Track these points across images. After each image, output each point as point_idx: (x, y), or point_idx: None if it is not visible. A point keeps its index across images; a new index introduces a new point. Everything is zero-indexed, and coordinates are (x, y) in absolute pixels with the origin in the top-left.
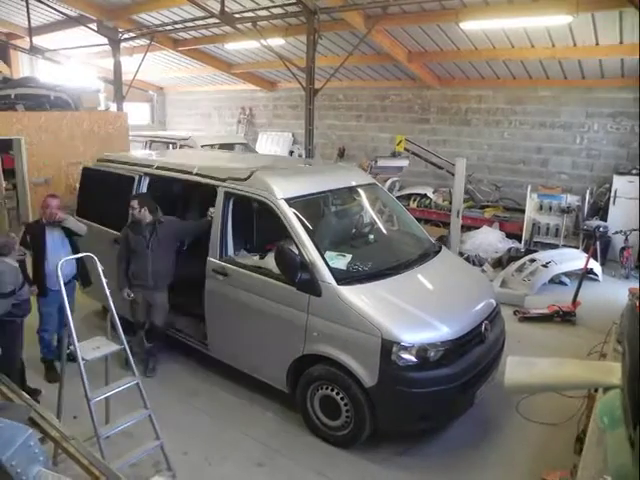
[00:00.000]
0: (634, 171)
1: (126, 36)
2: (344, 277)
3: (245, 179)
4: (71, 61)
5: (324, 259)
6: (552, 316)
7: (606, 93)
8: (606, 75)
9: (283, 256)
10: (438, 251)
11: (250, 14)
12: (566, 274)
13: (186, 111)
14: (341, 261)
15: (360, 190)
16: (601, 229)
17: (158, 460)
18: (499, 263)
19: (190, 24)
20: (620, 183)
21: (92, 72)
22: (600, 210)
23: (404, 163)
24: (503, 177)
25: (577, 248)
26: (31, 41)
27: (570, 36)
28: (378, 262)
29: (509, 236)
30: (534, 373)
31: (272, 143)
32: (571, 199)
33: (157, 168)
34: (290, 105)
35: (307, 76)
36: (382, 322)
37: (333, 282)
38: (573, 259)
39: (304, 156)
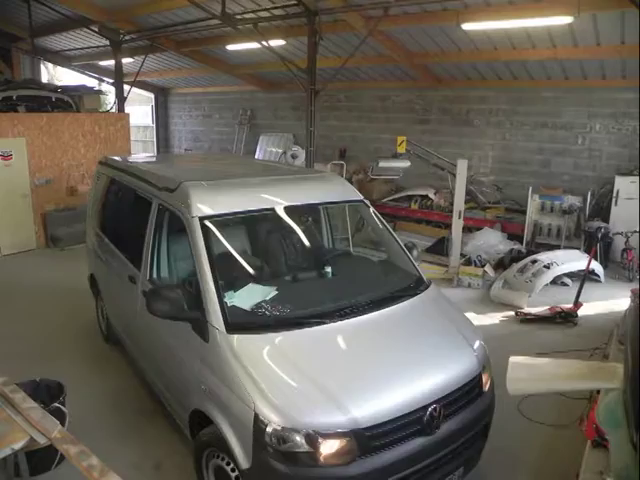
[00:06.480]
0: (636, 172)
1: (127, 37)
2: (241, 321)
3: (174, 190)
4: (72, 62)
5: (220, 296)
6: (554, 317)
7: (608, 93)
8: (607, 76)
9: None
10: (423, 290)
11: (251, 15)
12: (568, 275)
13: (187, 112)
14: (248, 299)
15: (332, 207)
16: (603, 230)
17: (160, 462)
18: (501, 264)
19: (191, 25)
20: (622, 184)
21: (93, 73)
22: (602, 211)
23: (405, 164)
24: (504, 178)
25: (579, 249)
26: (33, 42)
27: (571, 37)
28: (310, 303)
29: (511, 237)
30: (535, 374)
31: (273, 145)
32: (573, 200)
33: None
34: (291, 106)
35: (308, 77)
36: (256, 391)
37: (222, 327)
38: (575, 260)
39: (303, 157)
